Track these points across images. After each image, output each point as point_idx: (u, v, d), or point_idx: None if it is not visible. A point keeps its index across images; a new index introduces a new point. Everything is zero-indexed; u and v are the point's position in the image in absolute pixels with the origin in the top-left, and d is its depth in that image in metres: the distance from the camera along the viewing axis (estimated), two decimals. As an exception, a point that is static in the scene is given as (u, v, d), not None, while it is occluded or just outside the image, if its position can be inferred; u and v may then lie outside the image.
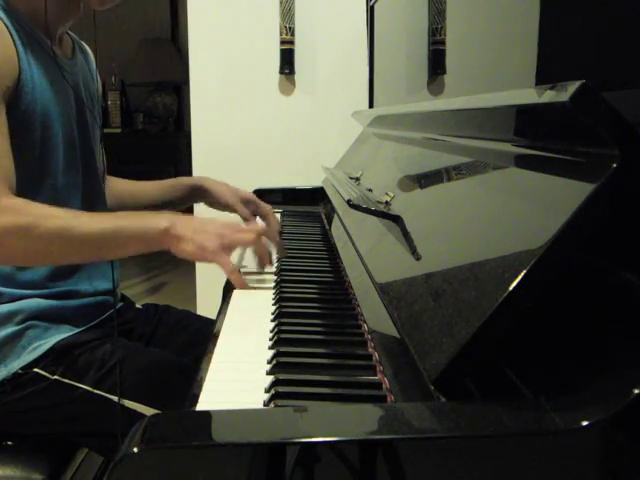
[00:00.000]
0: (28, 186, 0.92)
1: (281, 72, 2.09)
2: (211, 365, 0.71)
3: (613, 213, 0.47)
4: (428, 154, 0.95)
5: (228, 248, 0.94)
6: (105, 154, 1.19)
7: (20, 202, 0.88)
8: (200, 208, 1.40)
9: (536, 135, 0.60)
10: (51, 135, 0.98)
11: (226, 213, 1.34)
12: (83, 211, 0.93)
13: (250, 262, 1.08)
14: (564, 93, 0.47)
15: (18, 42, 0.92)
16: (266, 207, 1.34)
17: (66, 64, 1.05)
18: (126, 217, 0.95)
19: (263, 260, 1.02)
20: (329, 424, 0.47)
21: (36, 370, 0.94)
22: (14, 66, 0.91)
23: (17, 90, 0.91)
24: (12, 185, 0.89)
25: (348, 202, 0.88)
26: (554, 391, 0.46)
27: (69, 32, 1.11)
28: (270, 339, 0.78)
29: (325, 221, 1.53)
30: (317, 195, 1.71)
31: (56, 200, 0.97)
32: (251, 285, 1.01)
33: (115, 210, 1.21)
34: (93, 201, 1.09)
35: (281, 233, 1.40)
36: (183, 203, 1.36)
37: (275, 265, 1.11)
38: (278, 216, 1.47)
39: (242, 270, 1.08)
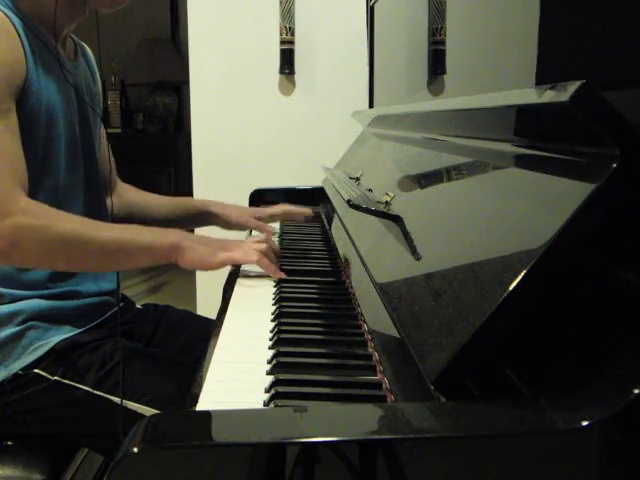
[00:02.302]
0: (29, 186, 0.92)
1: (281, 72, 2.09)
2: (211, 365, 0.71)
3: (613, 213, 0.47)
4: (428, 154, 0.95)
5: (230, 259, 0.98)
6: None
7: (36, 204, 0.89)
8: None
9: (536, 135, 0.60)
10: (54, 135, 0.98)
11: (237, 232, 1.36)
12: (97, 221, 0.95)
13: (251, 266, 1.08)
14: (564, 93, 0.47)
15: (25, 42, 0.93)
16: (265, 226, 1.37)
17: (69, 65, 1.06)
18: (137, 230, 0.98)
19: (273, 273, 1.02)
20: (329, 424, 0.47)
21: (36, 371, 0.94)
22: (23, 65, 0.92)
23: (24, 90, 0.92)
24: (25, 187, 0.90)
25: (348, 202, 0.88)
26: (554, 391, 0.46)
27: (71, 34, 1.12)
28: (270, 339, 0.78)
29: (325, 221, 1.53)
30: (317, 195, 1.71)
31: (57, 201, 0.97)
32: (252, 285, 1.01)
33: (121, 217, 1.22)
34: (94, 204, 1.09)
35: (281, 234, 1.40)
36: (190, 225, 1.38)
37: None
38: (277, 225, 1.48)
39: (242, 270, 1.08)
